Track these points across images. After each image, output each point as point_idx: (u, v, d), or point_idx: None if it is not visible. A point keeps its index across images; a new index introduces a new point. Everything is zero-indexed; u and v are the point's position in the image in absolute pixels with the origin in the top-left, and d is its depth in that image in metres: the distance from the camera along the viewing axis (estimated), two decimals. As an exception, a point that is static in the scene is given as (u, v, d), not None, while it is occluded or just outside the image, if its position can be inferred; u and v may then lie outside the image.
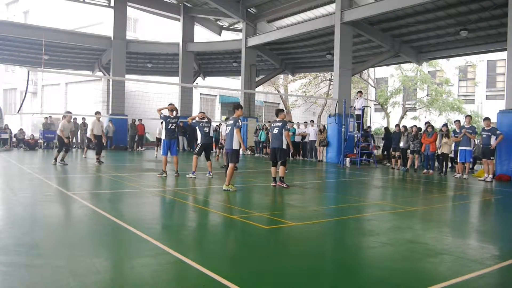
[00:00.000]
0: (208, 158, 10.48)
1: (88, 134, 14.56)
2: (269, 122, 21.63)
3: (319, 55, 23.12)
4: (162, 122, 10.49)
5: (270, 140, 9.01)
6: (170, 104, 10.57)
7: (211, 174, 10.45)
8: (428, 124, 14.03)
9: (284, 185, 8.79)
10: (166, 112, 10.46)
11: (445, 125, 14.04)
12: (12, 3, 40.87)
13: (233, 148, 8.17)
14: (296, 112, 34.15)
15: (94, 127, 13.78)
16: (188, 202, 7.18)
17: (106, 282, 3.29)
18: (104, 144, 15.11)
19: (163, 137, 10.33)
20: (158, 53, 26.27)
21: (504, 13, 13.42)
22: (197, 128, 10.39)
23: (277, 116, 9.01)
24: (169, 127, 10.12)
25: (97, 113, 14.29)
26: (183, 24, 24.51)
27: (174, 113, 10.35)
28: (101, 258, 3.91)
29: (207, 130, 10.29)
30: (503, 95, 15.89)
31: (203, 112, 10.94)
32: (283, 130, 8.75)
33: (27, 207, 6.31)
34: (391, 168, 14.96)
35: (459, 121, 12.77)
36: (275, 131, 8.83)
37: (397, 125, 16.22)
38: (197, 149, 10.42)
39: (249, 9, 22.35)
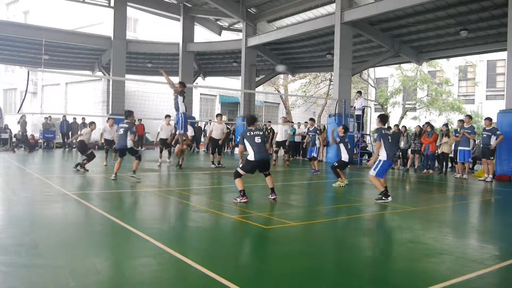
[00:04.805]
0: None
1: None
2: (269, 122, 21.61)
3: (319, 55, 23.10)
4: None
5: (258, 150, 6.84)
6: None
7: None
8: (427, 124, 14.02)
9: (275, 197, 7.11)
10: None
11: (446, 124, 14.03)
12: (12, 3, 40.84)
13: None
14: (296, 112, 34.12)
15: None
16: (188, 202, 7.18)
17: (106, 282, 3.29)
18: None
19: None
20: (158, 53, 26.25)
21: (504, 13, 13.41)
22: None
23: (251, 124, 7.09)
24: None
25: (167, 116, 13.74)
26: (183, 24, 24.47)
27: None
28: (101, 258, 3.91)
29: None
30: (503, 95, 15.88)
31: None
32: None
33: (27, 207, 6.30)
34: (391, 168, 14.94)
35: (463, 120, 12.69)
36: (258, 140, 6.85)
37: (396, 125, 16.20)
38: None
39: (249, 9, 22.32)
